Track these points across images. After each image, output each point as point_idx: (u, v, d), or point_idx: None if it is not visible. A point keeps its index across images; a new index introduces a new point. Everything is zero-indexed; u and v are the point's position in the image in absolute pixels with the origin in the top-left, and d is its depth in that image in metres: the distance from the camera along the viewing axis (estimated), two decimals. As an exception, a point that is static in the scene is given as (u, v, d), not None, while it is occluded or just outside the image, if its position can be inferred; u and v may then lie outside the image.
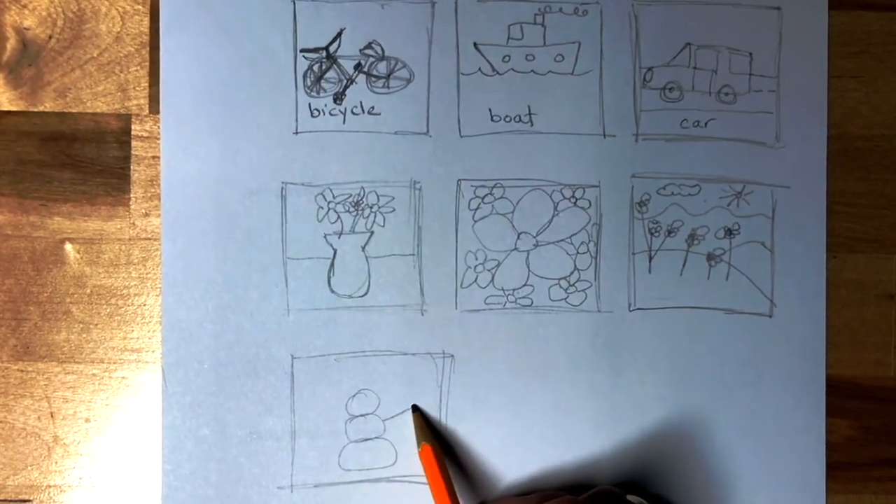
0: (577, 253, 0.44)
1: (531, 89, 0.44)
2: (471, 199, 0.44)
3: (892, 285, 0.44)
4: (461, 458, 0.43)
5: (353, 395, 0.43)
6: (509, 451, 0.43)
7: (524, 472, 0.43)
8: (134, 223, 0.44)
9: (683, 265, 0.44)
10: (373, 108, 0.44)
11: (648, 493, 0.44)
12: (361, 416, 0.43)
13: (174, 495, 0.43)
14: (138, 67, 0.44)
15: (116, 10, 0.43)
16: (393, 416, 0.43)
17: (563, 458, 0.43)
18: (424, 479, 0.42)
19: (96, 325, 0.44)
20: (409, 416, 0.43)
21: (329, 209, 0.43)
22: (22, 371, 0.43)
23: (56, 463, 0.43)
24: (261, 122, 0.43)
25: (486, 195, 0.44)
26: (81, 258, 0.44)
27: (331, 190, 0.43)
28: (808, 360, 0.44)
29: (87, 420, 0.43)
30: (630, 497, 0.40)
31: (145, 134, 0.44)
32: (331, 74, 0.44)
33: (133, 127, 0.44)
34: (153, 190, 0.44)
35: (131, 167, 0.44)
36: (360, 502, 0.43)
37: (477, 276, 0.44)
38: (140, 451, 0.44)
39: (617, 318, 0.44)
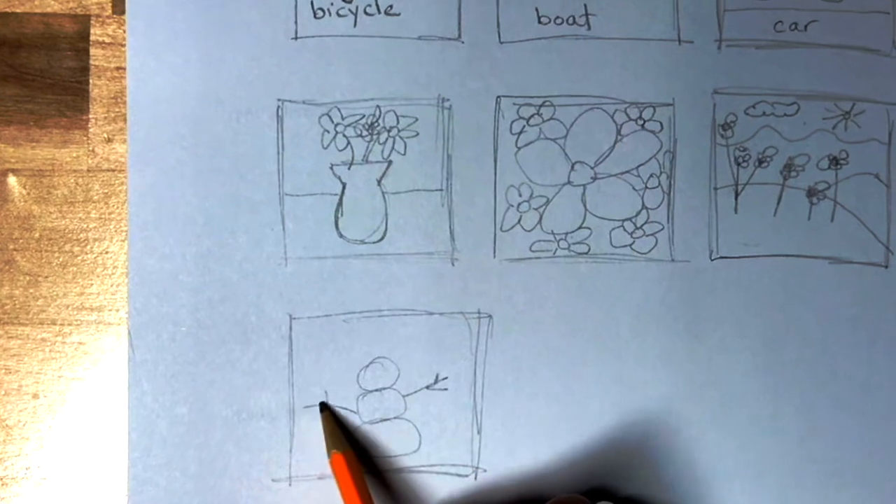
0: (646, 188, 0.40)
1: (588, -16, 0.40)
2: (513, 121, 0.40)
3: None
4: (499, 443, 0.40)
5: (367, 366, 0.40)
6: (560, 435, 0.40)
7: (578, 461, 0.40)
8: (93, 150, 0.41)
9: (778, 203, 0.41)
10: (391, 7, 0.40)
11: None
12: (377, 390, 0.40)
13: (143, 490, 0.39)
14: (98, -44, 0.41)
15: None
16: (416, 392, 0.40)
17: (626, 445, 0.40)
18: (455, 470, 0.40)
19: (46, 277, 0.41)
20: (436, 394, 0.40)
21: (337, 133, 0.40)
22: (-47, 335, 0.41)
23: (-4, 449, 0.41)
24: (251, 24, 0.40)
25: (533, 116, 0.40)
26: (28, 194, 0.40)
27: (339, 109, 0.40)
28: (933, 320, 0.41)
29: (35, 396, 0.41)
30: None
31: (107, 39, 0.41)
32: (338, -35, 0.40)
33: (92, 31, 0.41)
34: (117, 109, 0.41)
35: (90, 81, 0.41)
36: (376, 498, 0.40)
37: (521, 217, 0.40)
38: (101, 434, 0.41)
39: (695, 268, 0.40)
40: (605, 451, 0.40)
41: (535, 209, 0.40)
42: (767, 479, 0.40)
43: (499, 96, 0.40)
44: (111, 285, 0.41)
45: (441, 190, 0.40)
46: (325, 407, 0.39)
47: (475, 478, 0.40)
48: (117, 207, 0.41)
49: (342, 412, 0.40)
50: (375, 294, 0.40)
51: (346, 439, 0.39)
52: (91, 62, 0.40)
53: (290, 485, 0.40)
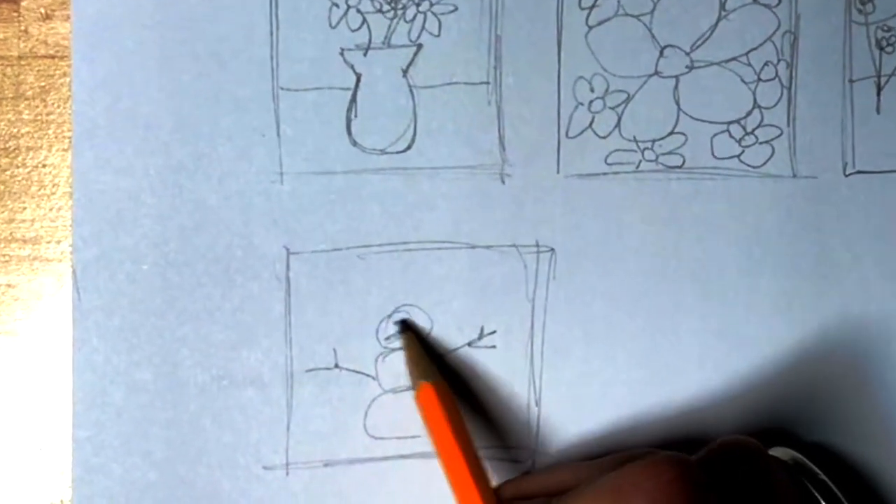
0: (759, 80, 0.36)
1: None
2: (583, -8, 0.35)
3: None
4: (564, 418, 0.36)
5: (390, 315, 0.36)
6: (644, 408, 0.36)
7: (668, 442, 0.35)
8: (26, 31, 0.37)
9: (934, 100, 0.36)
10: None
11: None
12: (402, 349, 0.37)
13: (92, 480, 0.35)
14: None
15: None
16: (456, 349, 0.36)
17: (733, 423, 0.35)
18: (505, 454, 0.36)
19: (-35, 199, 0.36)
20: (481, 352, 0.35)
21: (349, 8, 0.36)
22: None
23: None
24: None
25: (609, -15, 0.36)
26: (-59, 89, 0.36)
27: (351, -23, 0.35)
28: None
29: (-49, 355, 0.36)
30: (776, 450, 0.34)
31: None
32: None
33: None
34: (58, -23, 0.36)
35: (22, -61, 0.36)
36: (398, 489, 0.36)
37: (593, 119, 0.36)
38: (37, 406, 0.37)
39: (825, 185, 0.36)
40: (705, 430, 0.35)
41: (612, 108, 0.36)
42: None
43: (564, -41, 0.35)
44: (50, 209, 0.37)
45: (487, 83, 0.36)
46: (406, 327, 0.36)
47: (532, 464, 0.35)
48: (58, 106, 0.37)
49: (358, 378, 0.35)
50: (400, 221, 0.36)
51: (435, 367, 0.35)
52: (23, -87, 0.35)
53: (286, 473, 0.36)
